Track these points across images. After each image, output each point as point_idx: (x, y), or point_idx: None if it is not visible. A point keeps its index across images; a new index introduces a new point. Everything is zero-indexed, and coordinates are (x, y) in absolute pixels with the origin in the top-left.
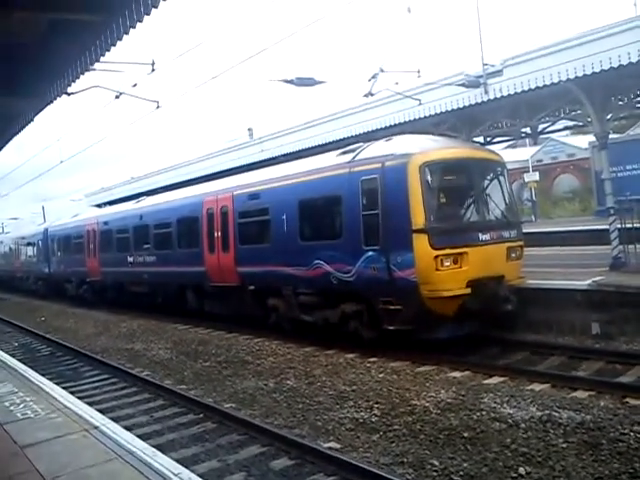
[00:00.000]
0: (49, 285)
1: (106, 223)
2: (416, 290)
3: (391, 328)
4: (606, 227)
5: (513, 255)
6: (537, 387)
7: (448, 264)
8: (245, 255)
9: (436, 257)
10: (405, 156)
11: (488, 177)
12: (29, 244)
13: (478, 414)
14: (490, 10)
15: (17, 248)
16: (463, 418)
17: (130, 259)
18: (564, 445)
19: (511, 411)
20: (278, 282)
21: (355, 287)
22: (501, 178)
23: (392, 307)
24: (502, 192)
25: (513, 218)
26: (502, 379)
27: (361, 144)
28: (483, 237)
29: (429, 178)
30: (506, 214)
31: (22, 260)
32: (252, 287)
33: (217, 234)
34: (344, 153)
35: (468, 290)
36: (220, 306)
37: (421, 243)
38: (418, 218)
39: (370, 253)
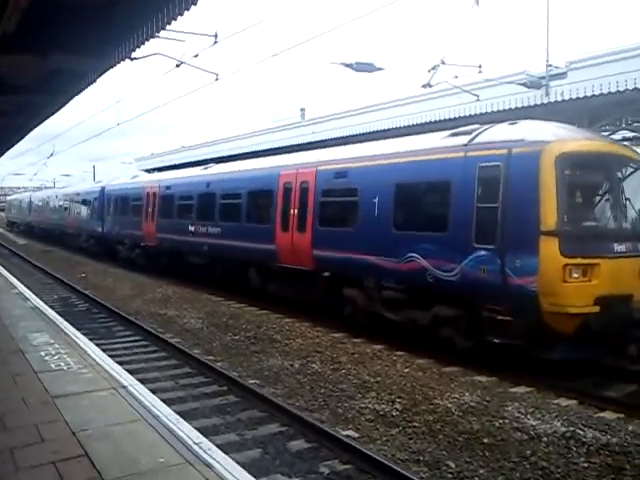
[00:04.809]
0: (101, 245)
1: (168, 187)
2: (535, 302)
3: (496, 341)
4: None
5: None
6: (564, 402)
7: (577, 276)
8: (324, 238)
9: (565, 266)
10: (539, 143)
11: (629, 177)
12: (84, 202)
13: (500, 421)
14: (560, 8)
15: (71, 204)
16: (485, 424)
17: (191, 228)
18: (585, 465)
19: (534, 423)
20: (360, 272)
21: (456, 288)
22: None
23: (500, 317)
24: None
25: None
26: (529, 389)
27: (477, 126)
28: (618, 248)
29: (566, 172)
30: None
31: (74, 217)
32: (327, 273)
33: (293, 211)
34: (455, 135)
35: (596, 308)
36: (287, 289)
37: (549, 248)
38: (549, 218)
39: (481, 252)
